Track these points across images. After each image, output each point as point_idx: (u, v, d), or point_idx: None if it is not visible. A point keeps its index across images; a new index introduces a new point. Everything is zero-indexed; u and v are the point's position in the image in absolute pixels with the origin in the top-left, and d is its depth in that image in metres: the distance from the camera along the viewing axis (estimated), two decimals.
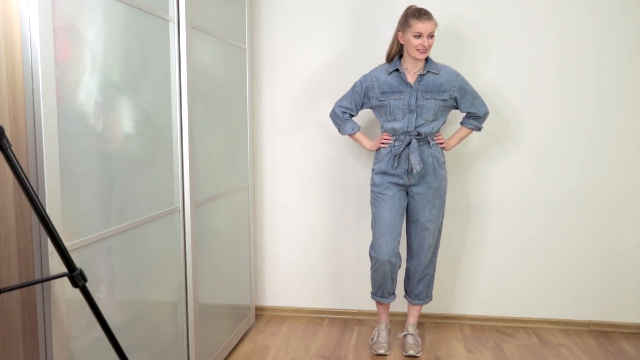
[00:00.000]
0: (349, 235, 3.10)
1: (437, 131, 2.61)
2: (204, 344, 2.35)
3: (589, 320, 2.95)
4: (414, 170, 2.52)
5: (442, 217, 2.70)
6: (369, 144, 2.69)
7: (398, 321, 3.04)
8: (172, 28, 2.05)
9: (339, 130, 2.73)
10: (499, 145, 2.94)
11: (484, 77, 2.91)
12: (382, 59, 2.77)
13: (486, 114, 2.65)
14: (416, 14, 2.46)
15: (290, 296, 3.19)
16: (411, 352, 2.63)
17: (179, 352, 2.15)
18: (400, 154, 2.56)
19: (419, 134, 2.54)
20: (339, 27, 3.00)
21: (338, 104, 2.70)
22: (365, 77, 2.63)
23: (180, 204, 2.14)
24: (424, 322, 3.06)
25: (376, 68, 2.63)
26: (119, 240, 1.74)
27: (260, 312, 3.22)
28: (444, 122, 2.61)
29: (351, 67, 3.00)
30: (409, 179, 2.57)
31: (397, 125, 2.57)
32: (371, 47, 2.97)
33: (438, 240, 2.72)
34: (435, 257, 2.74)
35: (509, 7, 2.86)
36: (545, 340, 2.82)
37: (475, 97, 2.62)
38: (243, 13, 2.83)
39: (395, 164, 2.57)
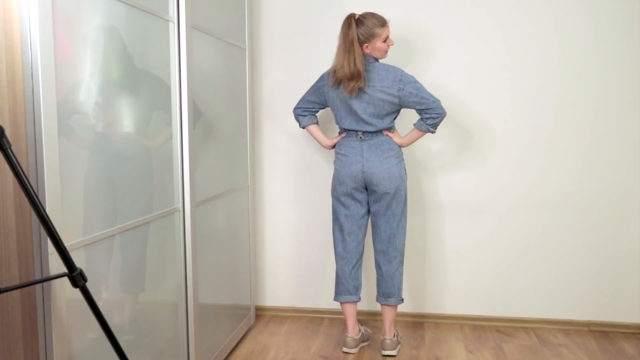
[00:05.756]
0: None
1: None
2: (204, 344, 2.35)
3: (589, 320, 2.95)
4: None
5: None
6: None
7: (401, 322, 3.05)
8: (172, 28, 2.05)
9: None
10: (499, 146, 2.94)
11: (482, 78, 2.91)
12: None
13: None
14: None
15: (290, 296, 3.19)
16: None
17: (179, 352, 2.15)
18: None
19: None
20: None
21: None
22: None
23: (180, 204, 2.14)
24: (424, 322, 3.06)
25: None
26: (119, 240, 1.74)
27: (260, 312, 3.22)
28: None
29: None
30: None
31: None
32: None
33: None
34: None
35: (510, 7, 2.86)
36: (545, 340, 2.82)
37: None
38: (243, 13, 2.83)
39: None
